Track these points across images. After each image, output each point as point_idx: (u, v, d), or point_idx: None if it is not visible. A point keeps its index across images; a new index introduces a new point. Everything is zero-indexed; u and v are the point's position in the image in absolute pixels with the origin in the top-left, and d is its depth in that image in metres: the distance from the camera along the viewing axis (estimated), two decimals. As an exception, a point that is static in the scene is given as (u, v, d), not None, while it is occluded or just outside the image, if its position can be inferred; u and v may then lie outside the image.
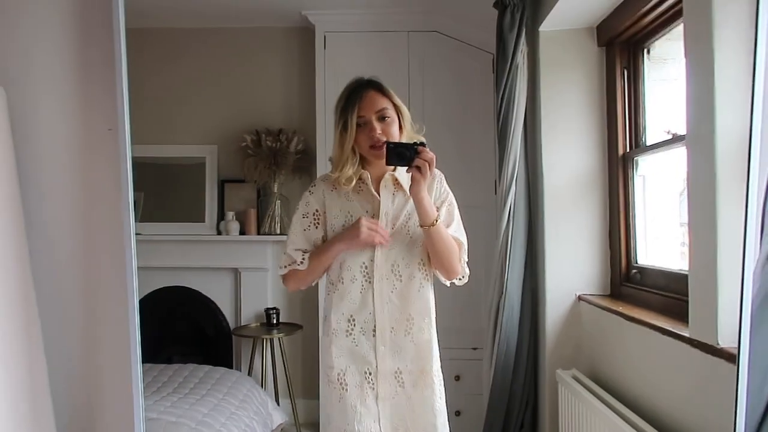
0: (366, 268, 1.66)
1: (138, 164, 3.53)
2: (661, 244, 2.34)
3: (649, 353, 1.91)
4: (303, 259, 1.67)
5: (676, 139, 2.06)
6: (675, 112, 2.25)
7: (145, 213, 3.55)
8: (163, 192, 3.61)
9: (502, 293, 2.64)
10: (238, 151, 3.51)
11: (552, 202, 2.54)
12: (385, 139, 1.60)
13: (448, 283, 1.74)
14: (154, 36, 3.59)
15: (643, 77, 2.38)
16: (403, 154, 1.55)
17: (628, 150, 2.42)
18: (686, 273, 1.93)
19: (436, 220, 1.61)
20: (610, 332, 2.23)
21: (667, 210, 2.36)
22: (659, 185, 2.36)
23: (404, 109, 1.68)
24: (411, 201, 1.64)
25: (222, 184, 3.55)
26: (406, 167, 1.57)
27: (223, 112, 3.57)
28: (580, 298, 2.51)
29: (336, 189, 1.69)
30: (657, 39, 2.29)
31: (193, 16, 3.44)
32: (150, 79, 3.58)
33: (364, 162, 1.69)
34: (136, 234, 3.42)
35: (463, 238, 1.72)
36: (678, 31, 2.05)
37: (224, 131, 3.54)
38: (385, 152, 1.56)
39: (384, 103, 1.64)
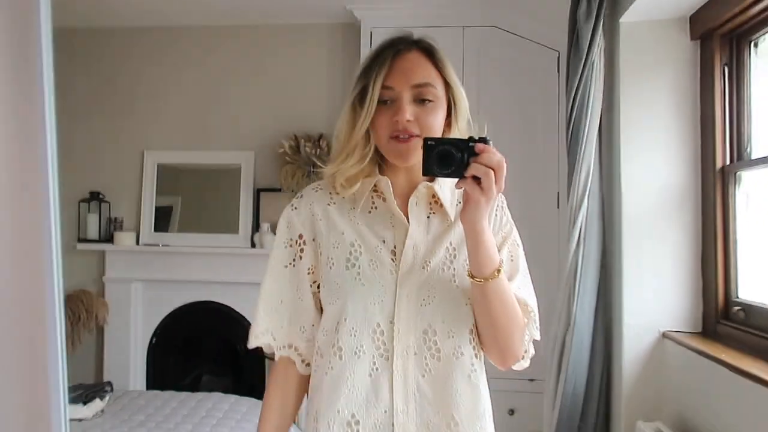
0: (381, 333, 1.02)
1: (175, 170, 3.39)
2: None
3: (763, 417, 1.54)
4: (280, 349, 1.10)
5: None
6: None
7: (182, 221, 3.34)
8: (199, 200, 3.40)
9: (569, 325, 2.29)
10: (276, 158, 3.25)
11: (632, 223, 2.17)
12: (415, 132, 1.00)
13: (502, 369, 1.10)
14: (186, 35, 3.38)
15: (748, 76, 1.99)
16: (450, 157, 0.93)
17: (728, 162, 2.03)
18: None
19: (498, 271, 0.98)
20: (706, 381, 1.85)
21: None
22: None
23: (461, 93, 1.07)
24: (457, 230, 1.05)
25: (258, 193, 3.30)
26: (456, 178, 0.94)
27: (260, 116, 3.32)
28: (665, 336, 2.13)
29: (336, 203, 1.09)
30: (766, 31, 1.90)
31: (228, 12, 3.20)
32: (181, 79, 3.37)
33: (381, 163, 1.09)
34: (164, 245, 3.26)
35: (532, 300, 1.09)
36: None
37: (261, 136, 3.29)
38: (422, 152, 0.94)
39: (429, 75, 1.02)
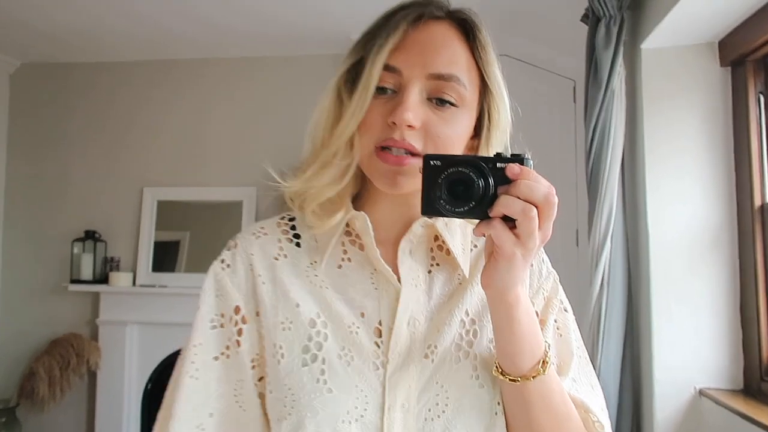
0: None
1: (176, 206, 3.26)
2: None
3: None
4: None
5: None
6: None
7: (186, 260, 3.19)
8: (199, 238, 3.25)
9: (593, 378, 2.07)
10: (278, 194, 3.10)
11: (661, 265, 1.97)
12: (416, 147, 0.65)
13: None
14: (183, 68, 3.29)
15: (788, 104, 1.81)
16: (468, 185, 0.59)
17: (767, 200, 1.83)
18: None
19: (544, 364, 0.64)
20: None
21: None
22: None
23: (503, 100, 0.72)
24: (477, 292, 0.72)
25: (260, 230, 3.15)
26: (476, 219, 0.60)
27: (261, 150, 3.18)
28: (701, 394, 1.90)
29: (287, 256, 0.72)
30: (807, 54, 1.72)
31: (228, 44, 3.11)
32: (180, 114, 3.26)
33: (358, 190, 0.74)
34: (161, 286, 3.11)
35: (597, 401, 0.72)
36: None
37: (262, 171, 3.13)
38: (422, 176, 0.61)
39: (459, 63, 0.67)
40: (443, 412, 0.66)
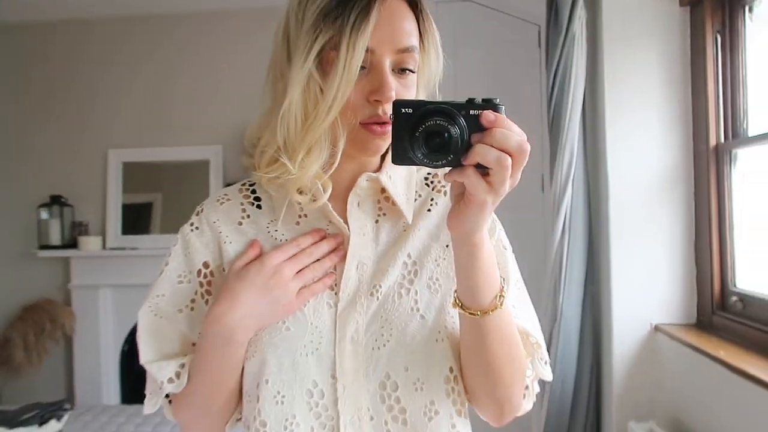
0: (320, 395, 0.74)
1: (149, 166, 3.21)
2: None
3: (764, 420, 1.39)
4: (178, 372, 0.76)
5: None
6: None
7: (156, 221, 3.17)
8: (168, 199, 3.22)
9: (557, 319, 2.14)
10: (245, 152, 3.06)
11: (620, 208, 2.01)
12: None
13: (495, 425, 0.81)
14: (144, 23, 3.17)
15: (743, 44, 1.81)
16: (445, 136, 0.59)
17: (722, 140, 1.86)
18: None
19: (501, 298, 0.70)
20: (702, 378, 1.71)
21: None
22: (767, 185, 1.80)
23: (439, 58, 0.77)
24: (417, 236, 0.79)
25: (228, 188, 3.13)
26: (451, 166, 0.61)
27: (226, 107, 3.12)
28: (657, 329, 1.98)
29: (250, 218, 0.79)
30: (763, -8, 1.72)
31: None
32: (143, 72, 3.18)
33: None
34: (132, 248, 3.10)
35: (534, 325, 0.81)
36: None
37: (229, 129, 3.10)
38: (393, 126, 0.61)
39: (415, 36, 0.73)
40: (388, 341, 0.74)
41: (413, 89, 0.73)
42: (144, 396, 0.80)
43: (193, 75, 3.16)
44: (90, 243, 3.05)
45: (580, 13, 2.04)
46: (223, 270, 0.78)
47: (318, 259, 0.75)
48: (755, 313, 1.68)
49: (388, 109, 0.67)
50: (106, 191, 3.16)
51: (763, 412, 1.41)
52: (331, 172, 0.72)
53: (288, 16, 0.73)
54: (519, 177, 0.61)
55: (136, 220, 3.19)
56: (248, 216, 0.79)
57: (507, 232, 0.84)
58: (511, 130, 0.60)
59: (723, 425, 1.62)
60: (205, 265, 0.78)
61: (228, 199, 0.81)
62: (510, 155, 0.59)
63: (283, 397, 0.73)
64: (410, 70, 0.72)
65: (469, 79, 2.77)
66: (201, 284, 0.78)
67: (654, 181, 1.99)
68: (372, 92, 0.69)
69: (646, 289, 2.00)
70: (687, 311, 1.98)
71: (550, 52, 2.14)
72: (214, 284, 0.78)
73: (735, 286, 1.83)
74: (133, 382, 3.16)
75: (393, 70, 0.71)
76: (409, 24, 0.72)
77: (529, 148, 0.60)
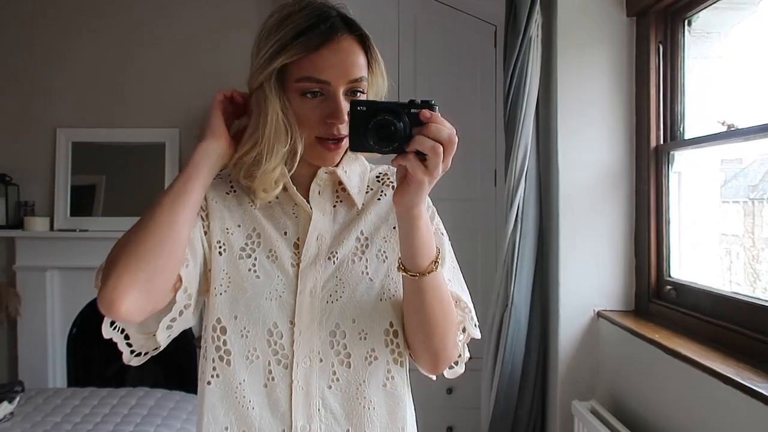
0: (279, 335, 0.88)
1: (95, 148, 3.12)
2: (700, 255, 1.97)
3: (698, 399, 1.56)
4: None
5: (732, 133, 1.68)
6: (722, 97, 1.87)
7: (105, 204, 3.10)
8: (121, 181, 3.15)
9: (507, 305, 2.27)
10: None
11: (569, 202, 2.16)
12: (344, 133, 0.85)
13: (433, 377, 0.96)
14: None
15: (682, 54, 1.98)
16: (391, 128, 0.75)
17: (662, 142, 2.03)
18: (744, 299, 1.59)
19: (436, 263, 0.85)
20: (639, 360, 1.87)
21: (707, 215, 1.99)
22: (700, 184, 1.98)
23: (384, 80, 0.93)
24: (369, 219, 0.95)
25: (184, 172, 3.10)
26: (396, 152, 0.77)
27: (184, 88, 3.09)
28: (599, 315, 2.14)
29: (235, 193, 0.94)
30: (701, 8, 1.89)
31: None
32: (96, 48, 3.09)
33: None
34: (82, 230, 3.03)
35: (466, 295, 0.96)
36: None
37: (186, 111, 3.07)
38: (349, 121, 0.78)
39: (363, 67, 0.89)
40: (340, 297, 0.90)
41: None
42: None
43: (151, 54, 3.11)
44: (37, 223, 2.96)
45: (537, 17, 2.16)
46: (209, 226, 0.91)
47: (286, 233, 0.93)
48: (687, 300, 1.86)
49: (343, 129, 0.85)
50: (54, 171, 3.07)
51: (694, 388, 1.56)
52: (291, 173, 0.89)
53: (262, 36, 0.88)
54: (450, 163, 0.77)
55: (84, 201, 3.11)
56: (234, 191, 0.95)
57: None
58: (443, 125, 0.75)
59: (658, 402, 1.78)
60: (202, 208, 0.91)
61: (219, 177, 0.94)
62: (442, 144, 0.74)
63: (248, 332, 0.87)
64: (360, 92, 0.88)
65: (427, 73, 2.87)
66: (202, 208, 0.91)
67: (600, 177, 2.14)
68: (329, 115, 0.85)
69: (590, 278, 2.15)
70: (626, 299, 2.15)
71: (508, 53, 2.25)
72: (202, 219, 0.91)
73: (669, 276, 2.00)
74: (81, 367, 3.10)
75: (346, 94, 0.86)
76: (359, 58, 0.88)
77: (456, 140, 0.76)
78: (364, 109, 0.76)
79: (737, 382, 1.34)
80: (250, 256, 0.90)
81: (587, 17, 2.13)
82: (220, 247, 0.90)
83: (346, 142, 0.86)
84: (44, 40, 3.09)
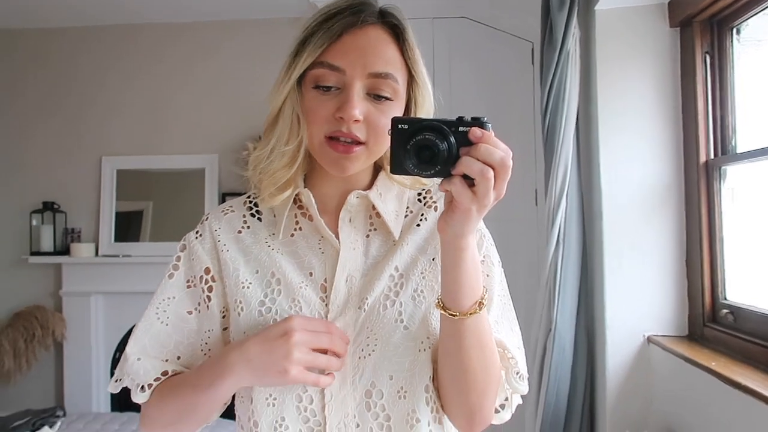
0: (309, 400, 0.78)
1: (142, 174, 3.20)
2: (758, 276, 1.84)
3: (756, 430, 1.43)
4: (152, 382, 0.82)
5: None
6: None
7: (147, 230, 3.16)
8: (162, 207, 3.22)
9: (551, 330, 2.17)
10: (240, 160, 3.09)
11: (613, 221, 2.06)
12: (361, 137, 0.75)
13: None
14: (141, 32, 3.19)
15: (731, 64, 1.88)
16: (434, 149, 0.65)
17: (712, 156, 1.92)
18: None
19: (481, 304, 0.73)
20: (694, 389, 1.74)
21: (764, 233, 1.86)
22: (755, 200, 1.86)
23: (427, 91, 0.81)
24: (405, 251, 0.82)
25: (223, 198, 3.14)
26: (441, 176, 0.66)
27: (223, 117, 3.15)
28: (650, 341, 2.02)
29: (250, 228, 0.84)
30: (751, 15, 1.79)
31: (187, 8, 3.02)
32: (139, 80, 3.19)
33: (309, 170, 0.85)
34: (125, 256, 3.09)
35: (513, 341, 0.85)
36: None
37: (224, 138, 3.12)
38: (391, 139, 0.67)
39: (393, 62, 0.77)
40: (373, 351, 0.78)
41: (391, 116, 0.72)
42: (134, 406, 0.86)
43: (191, 84, 3.18)
44: (82, 250, 3.03)
45: (574, 31, 2.10)
46: (221, 276, 0.82)
47: (311, 273, 0.81)
48: (745, 325, 1.73)
49: (355, 129, 0.74)
50: (99, 198, 3.15)
51: (755, 421, 1.44)
52: (312, 188, 0.81)
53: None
54: (504, 190, 0.66)
55: (128, 227, 3.18)
56: (248, 227, 0.84)
57: (501, 244, 0.87)
58: (495, 146, 0.64)
59: (714, 434, 1.65)
60: (207, 271, 0.83)
61: (232, 210, 0.86)
62: (493, 168, 0.63)
63: (275, 399, 0.78)
64: (387, 98, 0.76)
65: (463, 92, 2.83)
66: (203, 290, 0.83)
67: (646, 195, 2.04)
68: (338, 109, 0.74)
69: (638, 301, 2.04)
70: (679, 323, 2.02)
71: (545, 69, 2.19)
72: (215, 290, 0.83)
73: (725, 298, 1.87)
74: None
75: (368, 94, 0.75)
76: (387, 50, 0.76)
77: (511, 163, 0.64)
78: (406, 126, 0.66)
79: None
80: (270, 310, 0.79)
81: (627, 29, 2.06)
82: (238, 306, 0.80)
83: (363, 150, 0.76)
84: (87, 74, 3.21)
